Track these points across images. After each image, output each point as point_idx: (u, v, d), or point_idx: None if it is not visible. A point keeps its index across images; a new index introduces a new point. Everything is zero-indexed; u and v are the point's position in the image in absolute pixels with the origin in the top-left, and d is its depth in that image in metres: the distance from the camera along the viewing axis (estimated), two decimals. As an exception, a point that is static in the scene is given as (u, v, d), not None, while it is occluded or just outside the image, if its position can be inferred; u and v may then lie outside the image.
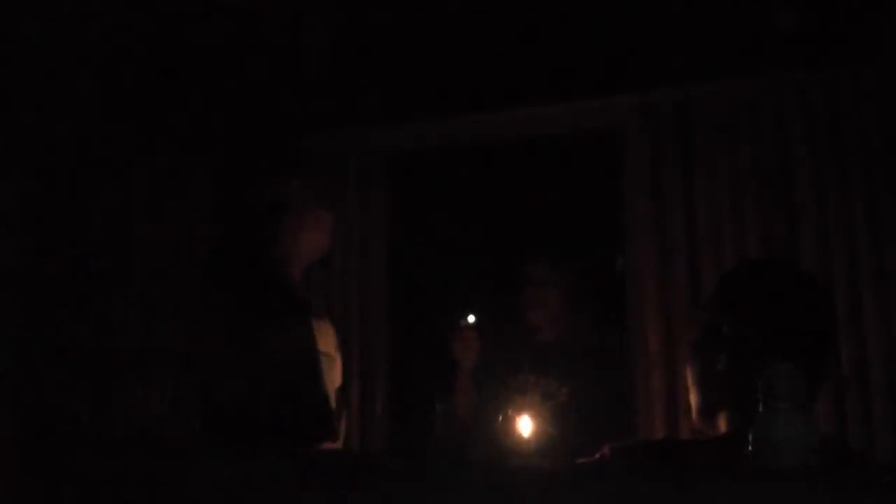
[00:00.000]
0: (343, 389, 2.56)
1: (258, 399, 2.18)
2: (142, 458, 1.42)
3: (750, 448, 1.23)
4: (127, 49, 3.01)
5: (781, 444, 1.22)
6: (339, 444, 2.43)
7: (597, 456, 1.45)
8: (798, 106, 2.75)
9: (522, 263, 2.95)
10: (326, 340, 2.45)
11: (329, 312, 2.65)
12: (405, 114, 3.15)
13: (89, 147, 2.99)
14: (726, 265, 2.65)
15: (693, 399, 1.53)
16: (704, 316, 1.53)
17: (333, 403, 2.41)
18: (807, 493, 1.12)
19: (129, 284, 3.23)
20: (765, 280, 1.53)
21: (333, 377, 2.44)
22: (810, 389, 1.30)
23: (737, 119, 2.81)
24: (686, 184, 2.82)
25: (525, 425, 2.04)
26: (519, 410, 2.05)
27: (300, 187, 2.45)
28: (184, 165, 3.32)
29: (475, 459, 2.16)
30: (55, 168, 2.99)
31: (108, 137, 3.02)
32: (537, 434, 2.01)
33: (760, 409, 1.23)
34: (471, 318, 2.84)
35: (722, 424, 1.48)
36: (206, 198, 3.23)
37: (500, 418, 2.05)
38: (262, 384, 2.19)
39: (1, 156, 2.72)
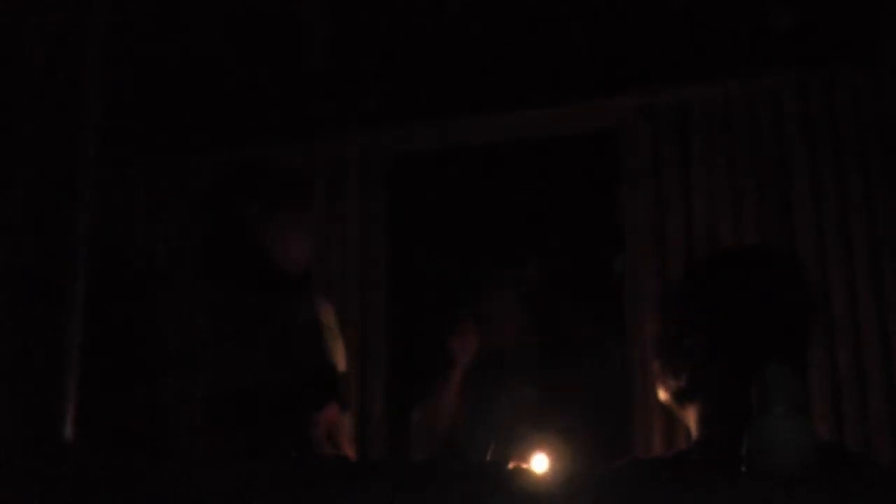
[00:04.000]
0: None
1: (264, 370, 2.17)
2: (141, 460, 1.42)
3: (745, 452, 1.22)
4: (126, 49, 3.01)
5: (778, 447, 1.20)
6: (347, 414, 2.43)
7: None
8: (796, 106, 2.75)
9: (521, 265, 2.95)
10: (328, 315, 2.45)
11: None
12: (405, 116, 3.16)
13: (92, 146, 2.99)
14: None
15: (661, 392, 1.52)
16: (665, 318, 1.52)
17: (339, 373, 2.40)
18: (805, 497, 1.11)
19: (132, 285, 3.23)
20: (712, 285, 1.49)
21: (336, 351, 2.44)
22: (802, 386, 1.28)
23: (735, 119, 2.81)
24: (684, 184, 2.82)
25: (539, 465, 1.81)
26: (526, 453, 1.83)
27: (271, 196, 2.42)
28: (184, 166, 3.33)
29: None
30: (55, 168, 2.98)
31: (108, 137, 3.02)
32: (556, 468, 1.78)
33: (755, 412, 1.22)
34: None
35: (691, 412, 1.47)
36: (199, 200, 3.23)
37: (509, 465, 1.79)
38: (266, 355, 2.19)
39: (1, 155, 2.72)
